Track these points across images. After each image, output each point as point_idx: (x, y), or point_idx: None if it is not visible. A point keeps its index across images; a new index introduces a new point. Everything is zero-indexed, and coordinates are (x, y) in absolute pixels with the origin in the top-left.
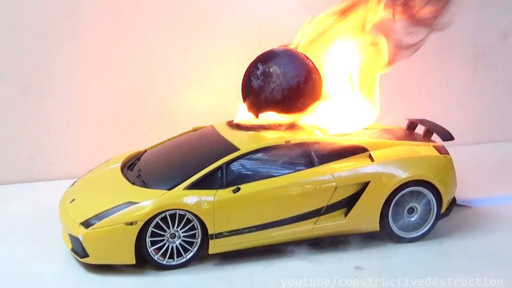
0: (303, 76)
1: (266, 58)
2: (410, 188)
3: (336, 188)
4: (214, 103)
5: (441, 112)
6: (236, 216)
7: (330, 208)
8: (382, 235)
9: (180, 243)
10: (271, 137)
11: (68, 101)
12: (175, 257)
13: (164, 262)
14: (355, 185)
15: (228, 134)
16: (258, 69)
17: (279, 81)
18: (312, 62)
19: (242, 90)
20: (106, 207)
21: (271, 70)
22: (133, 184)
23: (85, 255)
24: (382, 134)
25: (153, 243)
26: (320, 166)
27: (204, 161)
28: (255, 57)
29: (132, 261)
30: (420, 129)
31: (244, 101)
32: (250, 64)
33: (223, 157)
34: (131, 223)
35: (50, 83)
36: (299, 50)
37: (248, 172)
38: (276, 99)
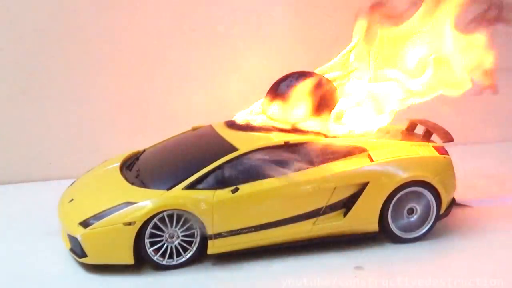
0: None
1: (310, 81)
2: (410, 188)
3: (335, 188)
4: (214, 103)
5: (441, 112)
6: (235, 217)
7: (329, 209)
8: (382, 235)
9: (179, 243)
10: (270, 138)
11: (68, 101)
12: (175, 257)
13: (164, 262)
14: (354, 185)
15: (227, 134)
16: (296, 80)
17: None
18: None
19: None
20: (105, 207)
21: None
22: (132, 184)
23: (84, 255)
24: (381, 134)
25: (152, 244)
26: (319, 167)
27: (203, 161)
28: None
29: (131, 261)
30: (420, 129)
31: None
32: (295, 73)
33: (222, 157)
34: (130, 223)
35: (50, 83)
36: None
37: (247, 172)
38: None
